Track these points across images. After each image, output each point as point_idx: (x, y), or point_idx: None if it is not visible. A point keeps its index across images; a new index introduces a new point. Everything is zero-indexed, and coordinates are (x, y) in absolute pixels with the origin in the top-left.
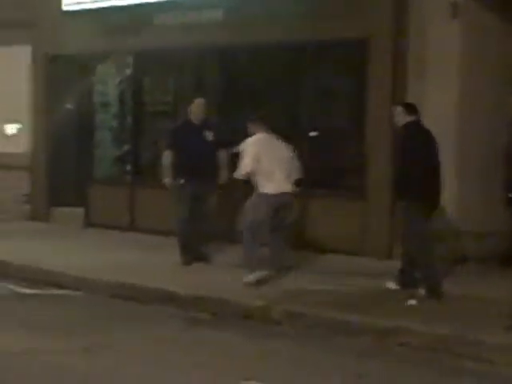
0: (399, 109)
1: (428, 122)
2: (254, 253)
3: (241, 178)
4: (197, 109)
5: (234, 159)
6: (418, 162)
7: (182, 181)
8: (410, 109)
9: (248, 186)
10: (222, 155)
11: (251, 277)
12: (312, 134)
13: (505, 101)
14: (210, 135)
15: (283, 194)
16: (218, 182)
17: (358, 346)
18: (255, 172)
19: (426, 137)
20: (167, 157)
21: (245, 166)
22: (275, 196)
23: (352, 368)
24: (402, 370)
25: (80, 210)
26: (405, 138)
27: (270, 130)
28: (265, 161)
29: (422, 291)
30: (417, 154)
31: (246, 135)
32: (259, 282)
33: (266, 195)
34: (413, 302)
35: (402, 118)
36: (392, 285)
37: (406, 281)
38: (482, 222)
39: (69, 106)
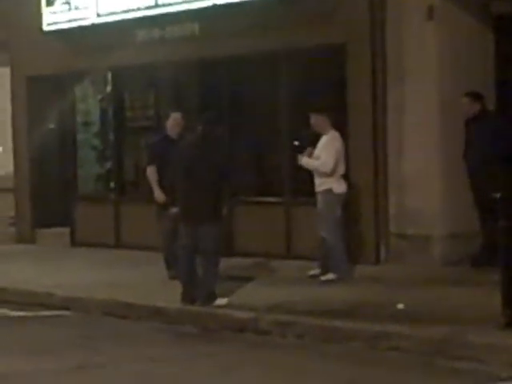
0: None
1: (410, 124)
2: (344, 253)
3: (318, 170)
4: (173, 123)
5: None
6: None
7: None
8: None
9: None
10: None
11: (331, 276)
12: (295, 143)
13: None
14: None
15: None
16: None
17: (349, 352)
18: (333, 172)
19: None
20: (152, 172)
21: (327, 164)
22: (343, 195)
23: (345, 375)
24: (394, 375)
25: (65, 230)
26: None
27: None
28: (341, 160)
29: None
30: None
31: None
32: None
33: (338, 195)
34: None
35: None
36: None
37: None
38: (464, 222)
39: (50, 126)
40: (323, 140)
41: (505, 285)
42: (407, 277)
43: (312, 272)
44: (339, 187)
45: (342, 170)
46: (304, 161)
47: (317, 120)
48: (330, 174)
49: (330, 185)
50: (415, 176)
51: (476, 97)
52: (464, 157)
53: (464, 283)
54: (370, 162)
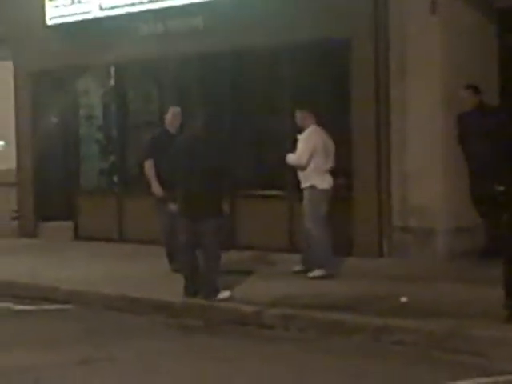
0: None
1: (413, 119)
2: (330, 249)
3: (295, 164)
4: (172, 118)
5: None
6: None
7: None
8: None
9: None
10: None
11: (319, 272)
12: (298, 136)
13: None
14: None
15: (331, 189)
16: None
17: (352, 345)
18: (307, 165)
19: None
20: (150, 167)
21: (301, 157)
22: (328, 191)
23: (348, 368)
24: (397, 368)
25: (68, 224)
26: None
27: (318, 123)
28: (319, 155)
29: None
30: None
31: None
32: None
33: (322, 191)
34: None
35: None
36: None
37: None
38: (467, 217)
39: (53, 120)
40: (303, 135)
41: (507, 278)
42: (410, 270)
43: (297, 268)
44: (323, 183)
45: (326, 165)
46: (287, 157)
47: (301, 116)
48: (305, 168)
49: (313, 181)
50: (418, 170)
51: (477, 90)
52: (465, 150)
53: (467, 277)
54: (373, 157)
